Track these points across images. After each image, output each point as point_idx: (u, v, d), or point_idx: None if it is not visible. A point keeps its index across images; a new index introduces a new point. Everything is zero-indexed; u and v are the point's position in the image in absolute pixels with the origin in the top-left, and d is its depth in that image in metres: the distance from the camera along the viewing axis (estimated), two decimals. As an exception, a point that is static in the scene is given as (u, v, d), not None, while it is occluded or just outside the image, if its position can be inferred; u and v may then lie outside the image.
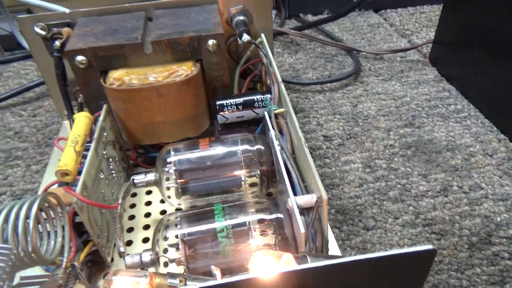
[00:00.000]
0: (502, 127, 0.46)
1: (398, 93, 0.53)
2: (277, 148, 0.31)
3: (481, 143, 0.44)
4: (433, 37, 0.59)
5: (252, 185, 0.34)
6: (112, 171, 0.35)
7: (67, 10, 0.60)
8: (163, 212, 0.36)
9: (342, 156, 0.44)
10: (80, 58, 0.35)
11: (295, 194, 0.27)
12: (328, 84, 0.55)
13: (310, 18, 0.75)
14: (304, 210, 0.27)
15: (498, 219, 0.36)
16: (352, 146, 0.45)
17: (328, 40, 0.65)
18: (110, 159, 0.35)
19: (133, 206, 0.37)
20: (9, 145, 0.47)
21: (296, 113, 0.51)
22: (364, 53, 0.62)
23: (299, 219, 0.25)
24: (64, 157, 0.28)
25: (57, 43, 0.39)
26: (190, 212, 0.29)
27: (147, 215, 0.36)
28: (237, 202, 0.29)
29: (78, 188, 0.27)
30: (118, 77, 0.36)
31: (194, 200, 0.35)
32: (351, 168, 0.42)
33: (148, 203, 0.37)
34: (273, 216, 0.27)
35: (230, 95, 0.39)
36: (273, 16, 0.75)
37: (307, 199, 0.26)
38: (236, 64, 0.45)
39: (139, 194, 0.38)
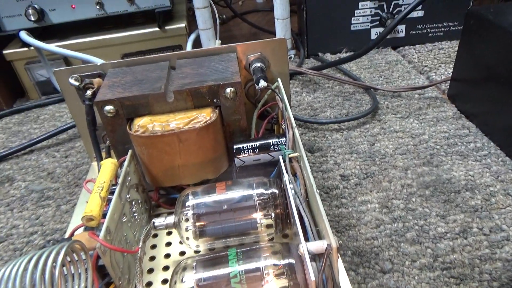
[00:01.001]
0: (524, 165, 0.45)
1: (416, 131, 0.53)
2: (290, 192, 0.32)
3: (502, 182, 0.44)
4: (451, 74, 0.59)
5: (268, 227, 0.35)
6: (135, 214, 0.37)
7: (99, 61, 0.65)
8: (182, 253, 0.37)
9: (359, 196, 0.44)
10: (108, 107, 0.38)
11: (307, 239, 0.28)
12: (346, 123, 0.56)
13: (329, 57, 0.77)
14: (316, 256, 0.27)
15: (521, 264, 0.35)
16: (369, 186, 0.45)
17: (345, 79, 0.66)
18: (133, 202, 0.37)
19: (154, 247, 0.38)
20: (42, 185, 0.50)
21: (313, 152, 0.52)
22: (381, 90, 0.63)
23: (310, 266, 0.26)
24: (90, 203, 0.30)
25: (89, 92, 0.42)
26: (206, 256, 0.30)
27: (167, 256, 0.37)
28: (251, 248, 0.30)
29: (102, 233, 0.28)
30: (142, 124, 0.38)
31: (212, 243, 0.36)
32: (368, 209, 0.42)
33: (168, 244, 0.38)
34: (285, 261, 0.28)
35: (247, 139, 0.41)
36: (293, 55, 0.78)
37: (318, 246, 0.27)
38: (254, 107, 0.47)
39: (160, 235, 0.40)
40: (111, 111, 0.38)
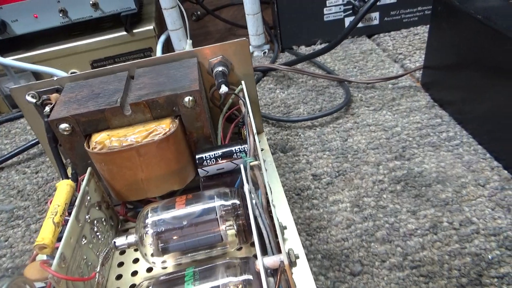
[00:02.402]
0: (496, 153, 0.45)
1: (388, 124, 0.53)
2: (249, 204, 0.31)
3: (473, 172, 0.43)
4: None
5: (233, 239, 0.34)
6: (97, 233, 0.36)
7: (62, 74, 0.63)
8: (149, 270, 0.37)
9: (330, 196, 0.44)
10: (63, 125, 0.37)
11: (265, 253, 0.28)
12: (319, 119, 0.56)
13: (304, 49, 0.76)
14: (274, 271, 0.27)
15: (490, 257, 0.35)
16: (341, 184, 0.45)
17: (318, 72, 0.65)
18: (95, 221, 0.36)
19: (121, 264, 0.38)
20: (11, 205, 0.49)
21: (286, 152, 0.51)
22: (355, 82, 0.62)
23: (264, 282, 0.25)
24: (43, 230, 0.29)
25: (47, 109, 0.41)
26: (163, 277, 0.29)
27: (134, 273, 0.37)
28: (208, 266, 0.29)
29: (55, 262, 0.28)
30: (100, 140, 0.37)
31: (179, 258, 0.35)
32: (339, 209, 0.42)
33: (136, 261, 0.38)
34: (243, 277, 0.28)
35: (210, 148, 0.40)
36: (267, 50, 0.76)
37: (274, 261, 0.26)
38: (221, 111, 0.46)
39: (128, 252, 0.39)
40: (67, 129, 0.37)
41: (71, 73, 0.72)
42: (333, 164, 0.48)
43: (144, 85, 0.40)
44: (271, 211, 0.32)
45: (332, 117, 0.56)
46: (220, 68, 0.43)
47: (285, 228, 0.37)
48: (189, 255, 0.35)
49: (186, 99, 0.38)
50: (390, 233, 0.38)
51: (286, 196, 0.45)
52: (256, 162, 0.35)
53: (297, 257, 0.28)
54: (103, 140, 0.37)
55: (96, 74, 0.43)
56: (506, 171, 0.42)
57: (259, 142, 0.48)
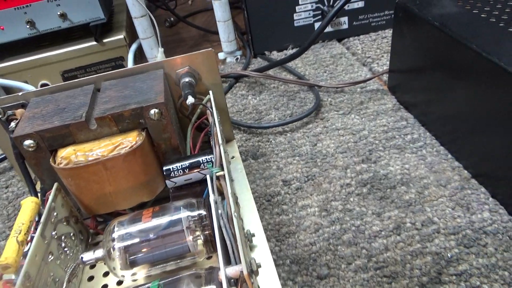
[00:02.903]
0: (457, 153, 0.46)
1: (356, 127, 0.54)
2: (214, 214, 0.32)
3: (435, 173, 0.45)
4: (390, 65, 0.60)
5: (201, 249, 0.35)
6: (65, 249, 0.36)
7: (30, 88, 0.63)
8: (120, 283, 0.37)
9: (299, 201, 0.45)
10: (28, 142, 0.37)
11: (229, 262, 0.28)
12: (289, 125, 0.57)
13: (275, 55, 0.77)
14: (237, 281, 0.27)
15: (449, 255, 0.36)
16: (310, 189, 0.46)
17: (289, 78, 0.66)
18: (63, 237, 0.36)
19: (91, 278, 0.38)
20: (-20, 222, 0.49)
21: (257, 158, 0.52)
22: (325, 87, 0.63)
23: (226, 293, 0.26)
24: (6, 250, 0.29)
25: (13, 124, 0.41)
26: (129, 291, 0.30)
27: (104, 287, 0.37)
28: (173, 278, 0.30)
29: (19, 281, 0.28)
30: (65, 155, 0.37)
31: (149, 270, 0.35)
32: (307, 213, 0.43)
33: (106, 274, 0.38)
34: (207, 288, 0.28)
35: (177, 158, 0.40)
36: (239, 57, 0.77)
37: (236, 271, 0.27)
38: (190, 121, 0.46)
39: (98, 265, 0.39)
40: (32, 145, 0.37)
41: (41, 85, 0.71)
42: (302, 169, 0.49)
43: (110, 98, 0.40)
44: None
45: (302, 122, 0.57)
46: (187, 79, 0.44)
47: (253, 235, 0.38)
48: (159, 266, 0.35)
49: (152, 111, 0.38)
50: (356, 236, 0.39)
51: (257, 203, 0.46)
52: (222, 173, 0.35)
53: (259, 266, 0.28)
54: (69, 155, 0.37)
55: (62, 88, 0.43)
56: (466, 171, 0.44)
57: (226, 151, 0.49)
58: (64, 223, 0.38)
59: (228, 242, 0.30)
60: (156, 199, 0.42)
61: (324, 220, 0.42)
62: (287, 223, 0.42)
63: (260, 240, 0.37)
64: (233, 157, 0.49)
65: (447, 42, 0.44)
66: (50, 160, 0.38)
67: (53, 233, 0.35)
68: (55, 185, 0.38)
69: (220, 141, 0.38)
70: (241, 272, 0.26)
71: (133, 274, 0.35)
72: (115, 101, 0.39)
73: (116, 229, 0.34)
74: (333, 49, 0.75)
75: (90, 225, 0.42)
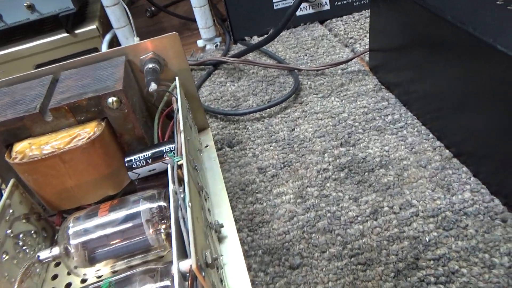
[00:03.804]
0: (438, 132, 0.44)
1: (336, 110, 0.52)
2: (171, 205, 0.30)
3: (415, 154, 0.43)
4: (371, 44, 0.57)
5: (163, 243, 0.33)
6: (24, 247, 0.34)
7: None
8: (84, 281, 0.35)
9: (274, 189, 0.43)
10: (-20, 136, 0.35)
11: (185, 256, 0.27)
12: (267, 110, 0.55)
13: (256, 40, 0.74)
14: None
15: (427, 239, 0.34)
16: (286, 176, 0.44)
17: (269, 63, 0.64)
18: (21, 235, 0.35)
19: (55, 277, 0.36)
20: None
21: (232, 146, 0.50)
22: (305, 70, 0.61)
23: (176, 286, 0.24)
24: (-51, 251, 0.28)
25: (-31, 119, 0.39)
26: (80, 290, 0.28)
27: (68, 285, 0.35)
28: (126, 275, 0.28)
29: (-39, 283, 0.26)
30: (20, 150, 0.35)
31: (112, 265, 0.34)
32: (282, 201, 0.41)
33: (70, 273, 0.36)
34: (160, 284, 0.26)
35: (141, 149, 0.38)
36: (219, 43, 0.75)
37: (188, 265, 0.25)
38: (157, 109, 0.44)
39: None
40: (-16, 140, 0.35)
41: (14, 80, 0.69)
42: (279, 155, 0.47)
43: (67, 88, 0.38)
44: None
45: (281, 107, 0.55)
46: (150, 65, 0.42)
47: (221, 226, 0.36)
48: (123, 262, 0.34)
49: (110, 100, 0.36)
50: (331, 222, 0.38)
51: (230, 192, 0.44)
52: (182, 161, 0.34)
53: (214, 258, 0.27)
54: (24, 149, 0.35)
55: (19, 80, 0.41)
56: (447, 151, 0.42)
57: (199, 139, 0.47)
58: (23, 221, 0.36)
59: (185, 235, 0.28)
60: (125, 192, 0.40)
61: (299, 207, 0.40)
62: (261, 212, 0.40)
63: (230, 231, 0.36)
64: (207, 146, 0.47)
65: (426, 18, 0.42)
66: (6, 155, 0.36)
67: (8, 231, 0.33)
68: (11, 181, 0.36)
69: (182, 128, 0.36)
70: (191, 266, 0.24)
71: (97, 270, 0.34)
72: (72, 91, 0.37)
73: (71, 225, 0.32)
74: (315, 31, 0.72)
75: (55, 221, 0.40)
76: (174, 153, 0.36)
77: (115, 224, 0.32)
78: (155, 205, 0.33)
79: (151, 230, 0.32)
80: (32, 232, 0.37)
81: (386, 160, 0.43)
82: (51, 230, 0.40)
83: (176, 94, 0.40)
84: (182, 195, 0.31)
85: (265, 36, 0.63)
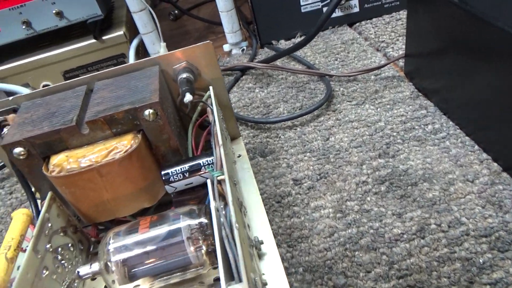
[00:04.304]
0: (484, 144, 0.42)
1: (371, 118, 0.50)
2: (215, 223, 0.29)
3: (461, 167, 0.41)
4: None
5: (205, 260, 0.32)
6: (63, 261, 0.34)
7: (25, 91, 0.61)
8: (120, 296, 0.34)
9: (312, 202, 0.41)
10: (18, 150, 0.35)
11: (231, 279, 0.25)
12: (299, 118, 0.53)
13: (283, 44, 0.73)
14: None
15: (481, 261, 0.32)
16: (323, 188, 0.42)
17: (298, 68, 0.62)
18: (60, 249, 0.34)
19: (91, 292, 0.36)
20: (-18, 232, 0.47)
21: (265, 156, 0.49)
22: (336, 76, 0.59)
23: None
24: (-8, 270, 0.27)
25: (5, 130, 0.39)
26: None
27: (104, 301, 0.34)
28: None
29: (5, 304, 0.25)
30: (57, 163, 0.35)
31: (151, 283, 0.33)
32: (321, 215, 0.39)
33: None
34: (208, 309, 0.25)
35: (177, 161, 0.37)
36: (245, 48, 0.74)
37: (239, 290, 0.24)
38: (191, 119, 0.43)
39: (99, 277, 0.37)
40: (22, 153, 0.35)
41: (43, 86, 0.69)
42: (314, 166, 0.45)
43: (102, 99, 0.37)
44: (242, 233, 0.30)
45: (313, 115, 0.53)
46: (184, 75, 0.41)
47: (261, 242, 0.34)
48: (162, 279, 0.33)
49: (146, 112, 0.35)
50: (375, 240, 0.36)
51: (266, 205, 0.43)
52: (223, 177, 0.32)
53: (265, 283, 0.25)
54: (61, 162, 0.35)
55: (53, 91, 0.40)
56: (495, 164, 0.40)
57: (232, 149, 0.46)
58: (61, 234, 0.35)
59: (230, 256, 0.27)
60: (160, 204, 0.40)
61: (339, 222, 0.38)
62: (299, 226, 0.39)
63: (270, 247, 0.34)
64: (239, 156, 0.46)
65: (468, 21, 0.39)
66: (43, 168, 0.35)
67: (47, 246, 0.33)
68: (49, 194, 0.36)
69: (221, 142, 0.35)
70: (244, 293, 0.23)
71: (136, 286, 0.33)
72: (107, 102, 0.37)
73: (111, 241, 0.32)
74: (344, 34, 0.70)
75: (90, 233, 0.40)
76: (212, 167, 0.35)
77: (156, 241, 0.31)
78: (195, 221, 0.32)
79: (192, 248, 0.31)
80: (70, 245, 0.36)
81: (429, 173, 0.41)
82: (87, 242, 0.39)
83: (212, 105, 0.39)
84: (223, 212, 0.30)
85: (300, 39, 0.60)
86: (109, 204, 0.37)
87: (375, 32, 0.68)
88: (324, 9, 0.71)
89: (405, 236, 0.36)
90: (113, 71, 0.41)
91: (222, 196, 0.32)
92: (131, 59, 0.67)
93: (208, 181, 0.33)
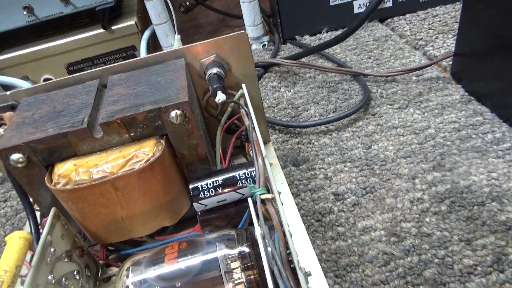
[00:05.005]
0: (559, 158, 0.36)
1: (419, 124, 0.44)
2: (263, 253, 0.23)
3: (535, 185, 0.35)
4: (452, 46, 0.49)
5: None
6: (68, 293, 0.28)
7: (26, 85, 0.55)
8: (137, 337, 0.29)
9: (358, 221, 0.35)
10: (15, 156, 0.28)
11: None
12: (335, 122, 0.47)
13: (308, 39, 0.67)
14: None
15: None
16: (370, 205, 0.36)
17: (328, 66, 0.56)
18: (63, 279, 0.28)
19: (101, 329, 0.30)
20: (-29, 246, 0.41)
21: (298, 165, 0.43)
22: (372, 76, 0.53)
23: None
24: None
25: (1, 131, 0.33)
26: None
27: None
28: None
29: None
30: (64, 173, 0.29)
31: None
32: (371, 238, 0.34)
33: (120, 324, 0.29)
34: None
35: (207, 174, 0.31)
36: (266, 43, 0.67)
37: None
38: (218, 122, 0.37)
39: (110, 310, 0.31)
40: (21, 160, 0.29)
41: (44, 80, 0.63)
42: (357, 178, 0.39)
43: (119, 97, 0.31)
44: (294, 266, 0.24)
45: (350, 119, 0.47)
46: (214, 70, 0.35)
47: (309, 274, 0.29)
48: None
49: (173, 113, 0.29)
50: (442, 272, 0.30)
51: (304, 224, 0.37)
52: (268, 196, 0.26)
53: None
54: (68, 172, 0.29)
55: (60, 85, 0.34)
56: None
57: (266, 156, 0.40)
58: (65, 260, 0.29)
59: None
60: (180, 220, 0.34)
61: (395, 248, 0.32)
62: (347, 251, 0.33)
63: (317, 278, 0.28)
64: (271, 164, 0.39)
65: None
66: (46, 178, 0.29)
67: (49, 277, 0.26)
68: (52, 211, 0.29)
69: (264, 152, 0.29)
70: None
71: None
72: (125, 101, 0.31)
73: (131, 274, 0.26)
74: (376, 31, 0.64)
75: (98, 255, 0.34)
76: (251, 181, 0.29)
77: (187, 276, 0.25)
78: (235, 251, 0.26)
79: (230, 284, 0.25)
80: (75, 272, 0.30)
81: (497, 191, 0.35)
82: (94, 267, 0.33)
83: (247, 107, 0.33)
84: (271, 240, 0.24)
85: (341, 33, 0.53)
86: (123, 222, 0.31)
87: (410, 29, 0.62)
88: (355, 2, 0.65)
89: (479, 268, 0.30)
90: (129, 64, 0.35)
91: (265, 218, 0.26)
92: (143, 52, 0.61)
93: (250, 201, 0.27)
